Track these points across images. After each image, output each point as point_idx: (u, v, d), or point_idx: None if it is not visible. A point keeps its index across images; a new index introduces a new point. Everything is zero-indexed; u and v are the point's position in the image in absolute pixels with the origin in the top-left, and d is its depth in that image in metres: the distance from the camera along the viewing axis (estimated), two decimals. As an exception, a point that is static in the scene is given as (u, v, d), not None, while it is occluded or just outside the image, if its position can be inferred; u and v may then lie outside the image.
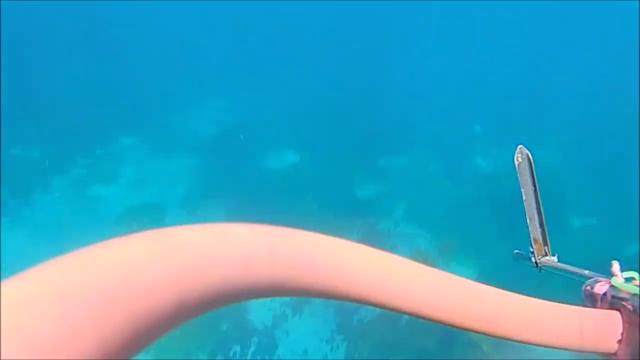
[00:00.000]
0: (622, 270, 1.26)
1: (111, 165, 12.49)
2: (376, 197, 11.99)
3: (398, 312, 1.00)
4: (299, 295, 0.90)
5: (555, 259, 1.60)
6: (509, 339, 1.11)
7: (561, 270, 1.55)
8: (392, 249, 10.54)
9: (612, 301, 1.22)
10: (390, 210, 11.64)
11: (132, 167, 12.49)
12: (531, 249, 1.61)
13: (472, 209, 11.52)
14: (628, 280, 1.25)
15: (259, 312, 9.31)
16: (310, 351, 8.82)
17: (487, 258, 10.40)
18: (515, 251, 1.72)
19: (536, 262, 1.60)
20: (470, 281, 1.13)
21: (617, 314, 1.19)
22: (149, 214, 11.06)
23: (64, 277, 0.57)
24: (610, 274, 1.27)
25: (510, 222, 11.32)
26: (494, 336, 1.09)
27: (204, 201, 11.54)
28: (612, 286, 1.25)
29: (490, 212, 11.35)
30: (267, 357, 8.71)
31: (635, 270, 1.26)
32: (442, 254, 9.82)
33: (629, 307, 1.18)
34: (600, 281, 1.29)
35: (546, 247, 1.60)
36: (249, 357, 8.64)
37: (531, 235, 1.60)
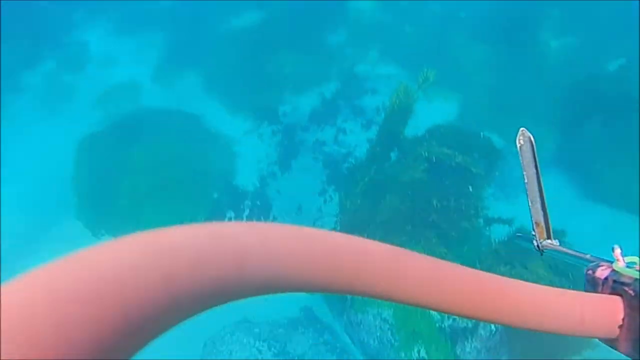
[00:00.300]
0: (624, 255, 1.25)
1: (78, 52, 12.18)
2: (349, 41, 11.69)
3: (402, 303, 1.01)
4: (297, 291, 0.91)
5: (557, 242, 1.59)
6: (511, 326, 1.12)
7: (563, 253, 1.53)
8: (372, 92, 10.53)
9: (614, 286, 1.22)
10: (364, 54, 11.41)
11: (99, 51, 12.19)
12: (533, 232, 1.60)
13: (449, 41, 11.24)
14: (630, 265, 1.23)
15: (245, 174, 9.38)
16: (305, 207, 8.96)
17: (469, 88, 10.30)
18: (518, 234, 1.75)
19: (538, 246, 1.59)
20: (468, 269, 1.12)
21: (618, 299, 1.19)
22: (124, 95, 10.93)
23: (59, 281, 0.59)
24: (612, 259, 1.26)
25: (488, 49, 11.05)
26: (496, 323, 1.11)
27: (179, 72, 11.34)
28: (613, 271, 1.24)
29: (468, 40, 11.08)
30: (262, 219, 8.87)
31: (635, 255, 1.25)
32: (423, 88, 9.68)
33: (631, 292, 1.17)
34: (602, 265, 1.29)
35: (548, 231, 1.59)
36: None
37: (533, 219, 1.59)
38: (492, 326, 6.83)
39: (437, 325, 6.72)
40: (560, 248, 1.55)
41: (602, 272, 1.26)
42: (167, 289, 0.66)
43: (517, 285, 1.13)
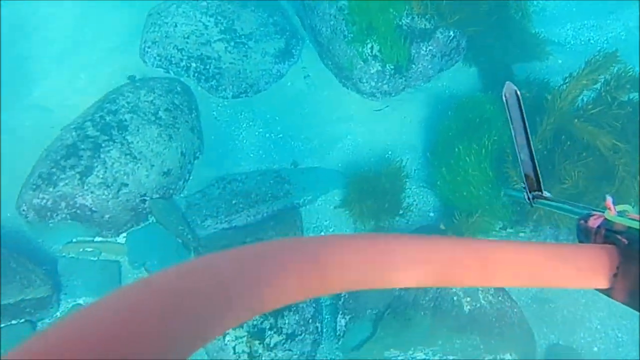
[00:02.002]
0: (615, 203, 1.27)
1: None
2: None
3: (395, 287, 1.09)
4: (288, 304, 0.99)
5: (547, 194, 1.62)
6: (507, 286, 1.26)
7: (554, 204, 1.57)
8: None
9: (607, 235, 1.25)
10: None
11: None
12: (523, 185, 1.63)
13: None
14: (621, 213, 1.26)
15: None
16: None
17: None
18: (507, 189, 1.95)
19: (529, 198, 1.63)
20: (456, 239, 1.20)
21: (612, 247, 1.21)
22: None
23: (65, 344, 0.69)
24: (603, 208, 1.29)
25: None
26: (492, 286, 1.24)
27: None
28: (605, 220, 1.27)
29: None
30: None
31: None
32: None
33: (624, 240, 1.20)
34: (594, 215, 1.32)
35: (538, 183, 1.62)
36: None
37: (523, 171, 1.63)
38: (451, 32, 6.62)
39: (394, 22, 6.47)
40: (551, 199, 1.62)
41: (594, 222, 1.31)
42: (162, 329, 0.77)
43: (508, 246, 1.18)
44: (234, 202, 6.18)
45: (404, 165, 6.38)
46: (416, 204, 6.45)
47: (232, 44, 6.83)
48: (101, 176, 5.92)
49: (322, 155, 6.64)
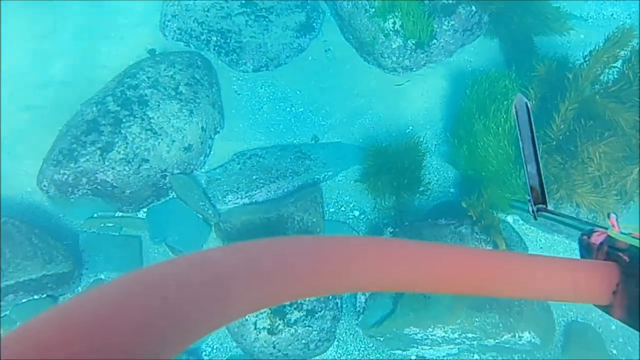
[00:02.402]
0: (618, 222, 1.28)
1: None
2: None
3: (393, 291, 1.22)
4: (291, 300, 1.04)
5: (551, 207, 1.62)
6: (506, 297, 1.32)
7: (559, 218, 1.57)
8: None
9: (609, 252, 1.25)
10: None
11: None
12: (528, 197, 1.62)
13: None
14: (625, 231, 1.26)
15: None
16: None
17: None
18: (513, 201, 1.77)
19: (533, 210, 1.62)
20: (458, 248, 1.24)
21: (613, 265, 1.22)
22: None
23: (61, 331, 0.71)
24: (607, 226, 1.29)
25: None
26: (489, 296, 1.18)
27: None
28: (608, 237, 1.28)
29: None
30: None
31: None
32: None
33: (626, 258, 1.20)
34: (597, 231, 1.32)
35: (543, 196, 1.61)
36: None
37: (529, 183, 1.61)
38: (472, 6, 6.51)
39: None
40: (555, 213, 1.62)
41: (597, 238, 1.31)
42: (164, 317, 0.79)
43: (508, 257, 1.22)
44: (254, 177, 6.18)
45: (423, 141, 6.34)
46: (437, 180, 6.41)
47: (253, 17, 6.77)
48: (122, 152, 5.93)
49: (343, 130, 6.60)
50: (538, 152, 1.61)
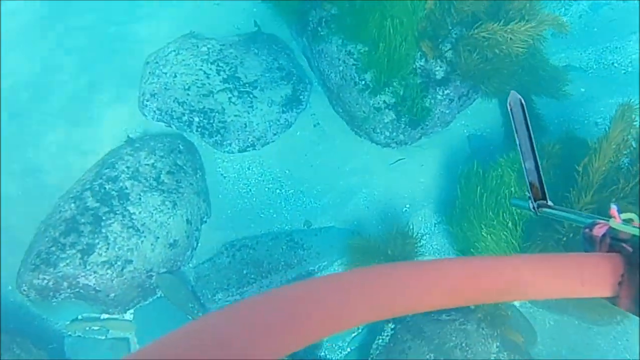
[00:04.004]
0: (619, 212, 1.27)
1: None
2: None
3: (407, 314, 1.11)
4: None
5: (551, 203, 1.62)
6: (514, 300, 1.31)
7: (559, 213, 1.58)
8: None
9: (612, 243, 1.25)
10: None
11: None
12: (528, 194, 1.63)
13: None
14: (626, 221, 1.26)
15: None
16: None
17: None
18: (514, 197, 1.71)
19: (534, 207, 1.62)
20: (461, 260, 1.21)
21: (616, 256, 1.21)
22: None
23: None
24: (608, 217, 1.29)
25: None
26: (500, 302, 1.30)
27: None
28: (610, 228, 1.28)
29: None
30: None
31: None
32: None
33: (629, 248, 1.20)
34: (599, 224, 1.32)
35: (543, 191, 1.61)
36: None
37: (527, 180, 1.62)
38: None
39: (409, 70, 6.01)
40: (556, 208, 1.62)
41: (599, 230, 1.31)
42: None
43: (513, 262, 1.19)
44: (245, 272, 5.82)
45: (420, 222, 6.00)
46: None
47: (236, 93, 6.37)
48: (104, 254, 5.56)
49: (336, 212, 6.23)
50: (535, 147, 1.60)
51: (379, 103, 6.09)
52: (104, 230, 5.63)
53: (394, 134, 6.21)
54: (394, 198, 6.28)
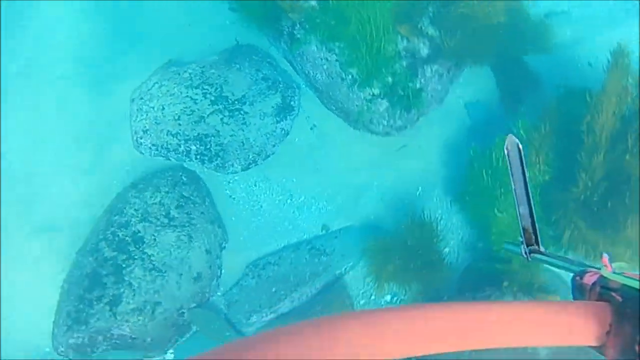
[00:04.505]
0: (611, 261, 1.25)
1: None
2: None
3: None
4: None
5: (543, 249, 1.58)
6: (500, 346, 1.16)
7: (550, 260, 1.54)
8: None
9: (601, 292, 1.23)
10: None
11: None
12: (520, 239, 1.59)
13: None
14: (617, 271, 1.23)
15: None
16: None
17: None
18: (506, 242, 1.77)
19: (525, 252, 1.59)
20: (445, 305, 1.18)
21: (605, 305, 1.19)
22: None
23: None
24: (600, 266, 1.27)
25: None
26: (485, 347, 1.15)
27: None
28: (601, 277, 1.25)
29: None
30: None
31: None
32: None
33: (618, 298, 1.17)
34: (590, 272, 1.30)
35: (536, 237, 1.58)
36: None
37: (521, 225, 1.59)
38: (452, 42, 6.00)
39: (393, 53, 5.87)
40: (548, 254, 1.57)
41: (589, 279, 1.28)
42: None
43: (499, 307, 1.18)
44: (274, 289, 5.75)
45: (432, 209, 5.90)
46: (460, 239, 5.95)
47: (227, 113, 6.26)
48: (131, 302, 5.51)
49: (352, 211, 6.13)
50: (530, 193, 1.58)
51: (370, 94, 5.97)
52: (126, 278, 5.57)
53: (391, 121, 6.08)
54: (405, 184, 6.17)
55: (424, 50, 5.97)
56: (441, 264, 5.62)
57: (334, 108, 6.33)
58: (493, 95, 6.47)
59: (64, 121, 6.60)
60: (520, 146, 1.60)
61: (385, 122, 6.08)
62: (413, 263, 5.49)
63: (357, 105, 6.03)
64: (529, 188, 1.58)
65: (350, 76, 5.98)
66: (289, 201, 6.22)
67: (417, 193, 6.13)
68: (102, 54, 6.86)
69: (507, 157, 1.61)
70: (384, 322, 1.08)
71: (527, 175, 1.60)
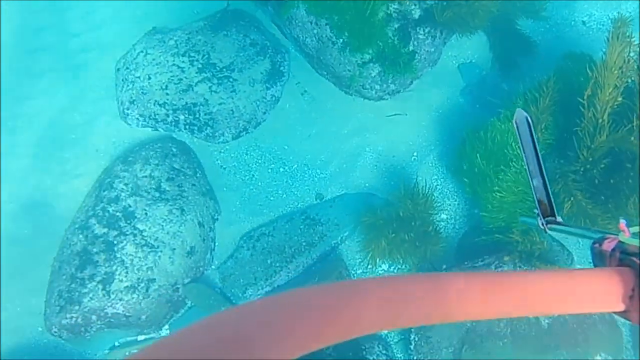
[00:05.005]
0: (629, 225, 1.22)
1: None
2: None
3: (415, 325, 1.11)
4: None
5: (560, 219, 1.56)
6: (523, 315, 1.23)
7: (568, 229, 1.53)
8: None
9: (621, 257, 1.21)
10: None
11: None
12: (536, 211, 1.58)
13: None
14: (635, 235, 1.21)
15: None
16: None
17: None
18: (521, 215, 1.75)
19: (542, 223, 1.57)
20: (474, 275, 1.17)
21: (627, 270, 1.17)
22: None
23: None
24: (617, 231, 1.24)
25: None
26: (510, 317, 1.20)
27: None
28: (620, 242, 1.24)
29: None
30: None
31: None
32: None
33: (638, 262, 1.16)
34: (608, 238, 1.27)
35: (552, 208, 1.55)
36: None
37: (536, 197, 1.57)
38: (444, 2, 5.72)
39: (382, 21, 5.59)
40: (565, 224, 1.56)
41: (608, 245, 1.27)
42: None
43: (525, 277, 1.18)
44: (269, 261, 5.57)
45: (427, 174, 5.71)
46: (457, 204, 5.76)
47: (215, 81, 5.97)
48: (124, 279, 5.32)
49: (346, 178, 5.91)
50: (542, 165, 1.56)
51: (362, 60, 5.70)
52: (118, 255, 5.37)
53: (384, 85, 5.82)
54: (399, 150, 5.95)
55: (416, 12, 5.69)
56: (437, 235, 5.42)
57: (325, 73, 6.04)
58: (486, 55, 6.23)
59: (47, 93, 6.32)
60: (530, 119, 1.58)
61: (378, 87, 5.82)
62: (407, 235, 5.30)
63: (348, 70, 5.75)
64: (541, 160, 1.56)
65: (341, 40, 5.68)
66: (281, 169, 5.99)
67: (412, 158, 5.91)
68: (84, 20, 6.54)
69: (516, 131, 1.59)
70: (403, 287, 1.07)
71: (538, 148, 1.57)
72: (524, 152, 1.59)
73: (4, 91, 6.31)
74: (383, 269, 5.62)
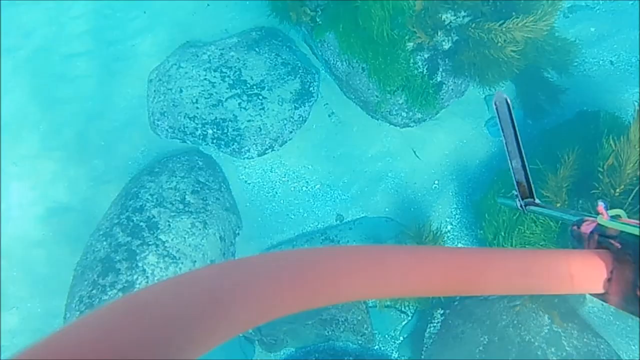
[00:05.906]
0: (607, 208, 1.22)
1: None
2: None
3: (390, 297, 1.06)
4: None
5: (538, 201, 1.56)
6: (502, 294, 1.12)
7: (547, 211, 1.51)
8: None
9: (600, 240, 1.20)
10: None
11: None
12: (515, 192, 1.58)
13: None
14: (614, 218, 1.20)
15: None
16: None
17: None
18: (499, 197, 1.72)
19: (521, 205, 1.57)
20: (449, 249, 1.17)
21: (605, 252, 1.17)
22: None
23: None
24: (596, 214, 1.24)
25: None
26: (487, 294, 1.10)
27: None
28: (598, 225, 1.22)
29: None
30: None
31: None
32: None
33: (617, 244, 1.15)
34: (587, 220, 1.26)
35: (530, 190, 1.56)
36: None
37: (515, 179, 1.57)
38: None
39: (411, 63, 5.51)
40: (543, 206, 1.54)
41: (587, 227, 1.25)
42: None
43: (502, 254, 1.14)
44: (286, 280, 5.52)
45: (448, 202, 5.62)
46: (470, 240, 5.70)
47: (245, 98, 5.92)
48: (145, 289, 5.29)
49: (366, 201, 5.84)
50: (521, 146, 1.55)
51: (390, 87, 5.64)
52: (140, 264, 5.34)
53: (410, 113, 5.75)
54: (421, 177, 5.87)
55: (447, 44, 5.61)
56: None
57: (353, 97, 5.98)
58: (511, 86, 6.14)
59: (79, 98, 6.31)
60: (509, 101, 1.55)
61: (404, 114, 5.75)
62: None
63: (376, 96, 5.69)
64: (520, 142, 1.54)
65: (369, 67, 5.64)
66: (304, 189, 5.93)
67: (433, 186, 5.84)
68: (121, 28, 6.53)
69: (496, 112, 1.56)
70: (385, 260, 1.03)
71: (517, 129, 1.55)
72: (504, 133, 1.56)
73: (36, 94, 6.31)
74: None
